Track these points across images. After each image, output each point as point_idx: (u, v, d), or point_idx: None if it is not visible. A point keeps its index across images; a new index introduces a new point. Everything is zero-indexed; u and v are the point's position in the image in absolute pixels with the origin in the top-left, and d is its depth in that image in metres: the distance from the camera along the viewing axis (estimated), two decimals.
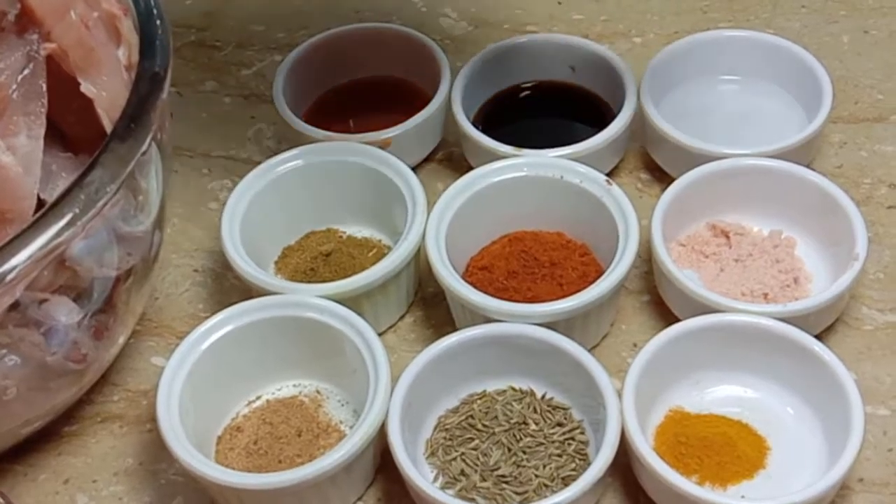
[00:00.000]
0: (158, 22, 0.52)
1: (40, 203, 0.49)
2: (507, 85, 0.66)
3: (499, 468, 0.51)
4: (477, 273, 0.58)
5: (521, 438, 0.52)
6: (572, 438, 0.52)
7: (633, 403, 0.50)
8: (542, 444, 0.52)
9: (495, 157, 0.60)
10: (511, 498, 0.50)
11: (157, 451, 0.55)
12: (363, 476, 0.52)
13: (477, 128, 0.62)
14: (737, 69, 0.66)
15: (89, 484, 0.55)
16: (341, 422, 0.54)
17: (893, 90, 0.67)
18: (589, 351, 0.52)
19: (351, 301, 0.54)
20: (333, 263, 0.59)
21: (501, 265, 0.58)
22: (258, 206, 0.59)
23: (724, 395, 0.54)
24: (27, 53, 0.48)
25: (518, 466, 0.51)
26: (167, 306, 0.61)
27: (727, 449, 0.51)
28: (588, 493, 0.48)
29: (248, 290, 0.56)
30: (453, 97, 0.63)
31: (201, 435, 0.52)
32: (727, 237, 0.59)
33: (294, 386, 0.56)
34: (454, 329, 0.54)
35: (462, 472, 0.51)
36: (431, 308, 0.60)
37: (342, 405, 0.55)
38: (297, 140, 0.63)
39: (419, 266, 0.59)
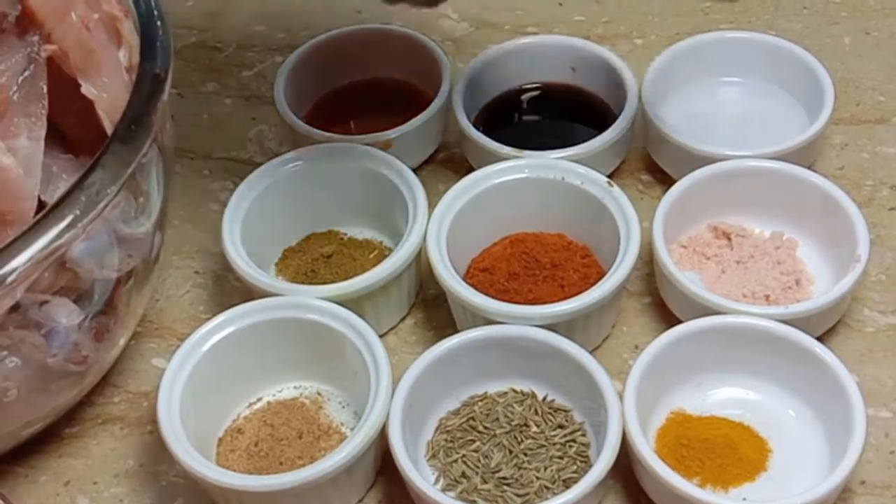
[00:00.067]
0: (159, 23, 0.52)
1: (41, 205, 0.49)
2: (509, 86, 0.66)
3: (500, 470, 0.51)
4: (478, 275, 0.58)
5: (522, 440, 0.52)
6: (573, 440, 0.52)
7: (634, 405, 0.50)
8: (543, 446, 0.52)
9: (496, 158, 0.60)
10: (512, 500, 0.50)
11: (157, 452, 0.55)
12: (364, 478, 0.52)
13: (478, 129, 0.62)
14: (738, 71, 0.66)
15: (90, 486, 0.55)
16: (342, 423, 0.54)
17: (895, 92, 0.67)
18: (590, 353, 0.52)
19: (352, 303, 0.54)
20: (334, 265, 0.59)
21: (502, 267, 0.58)
22: (259, 208, 0.59)
23: (725, 397, 0.54)
24: (28, 55, 0.48)
25: (519, 468, 0.51)
26: (168, 308, 0.61)
27: (729, 451, 0.51)
28: (589, 495, 0.48)
29: (249, 292, 0.56)
30: (454, 98, 0.63)
31: (202, 437, 0.52)
32: (729, 239, 0.59)
33: (295, 388, 0.56)
34: (455, 331, 0.54)
35: (463, 474, 0.51)
36: (432, 310, 0.60)
37: (343, 407, 0.55)
38: (298, 141, 0.63)
39: (420, 268, 0.59)
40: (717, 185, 0.59)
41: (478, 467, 0.51)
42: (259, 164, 0.60)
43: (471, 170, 0.60)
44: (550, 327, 0.53)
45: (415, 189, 0.58)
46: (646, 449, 0.49)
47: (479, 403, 0.53)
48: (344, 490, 0.51)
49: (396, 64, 0.67)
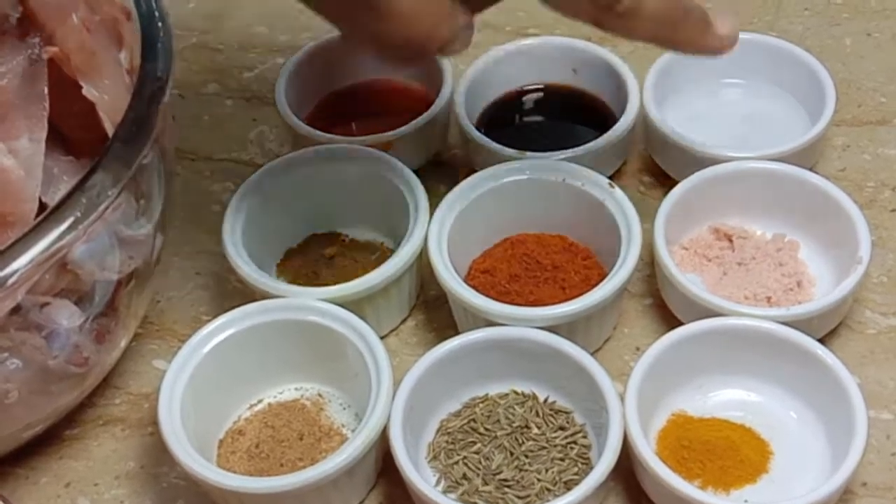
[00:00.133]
0: (160, 24, 0.52)
1: (42, 206, 0.49)
2: (510, 88, 0.66)
3: (501, 472, 0.51)
4: (479, 276, 0.58)
5: (523, 442, 0.52)
6: (575, 442, 0.52)
7: (635, 407, 0.50)
8: (544, 447, 0.52)
9: (498, 159, 0.60)
10: (513, 502, 0.50)
11: (158, 454, 0.55)
12: (365, 479, 0.52)
13: (479, 131, 0.62)
14: (739, 72, 0.66)
15: (91, 487, 0.55)
16: (343, 425, 0.54)
17: None
18: (591, 354, 0.52)
19: (353, 304, 0.54)
20: (335, 267, 0.59)
21: (503, 268, 0.58)
22: (260, 210, 0.59)
23: (726, 398, 0.53)
24: (29, 57, 0.48)
25: (520, 470, 0.51)
26: (169, 309, 0.61)
27: (730, 453, 0.51)
28: (590, 497, 0.48)
29: (250, 294, 0.56)
30: (456, 100, 0.63)
31: (203, 438, 0.52)
32: (730, 241, 0.59)
33: (296, 389, 0.56)
34: (456, 332, 0.54)
35: (464, 476, 0.51)
36: (433, 311, 0.60)
37: (344, 409, 0.55)
38: (299, 143, 0.63)
39: (421, 269, 0.59)
40: (718, 186, 0.59)
41: (479, 469, 0.51)
42: (260, 166, 0.60)
43: (472, 171, 0.60)
44: (552, 329, 0.53)
45: (416, 190, 0.58)
46: (647, 451, 0.49)
47: (481, 405, 0.53)
48: (345, 492, 0.51)
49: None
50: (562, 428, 0.52)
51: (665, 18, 0.45)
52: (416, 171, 0.60)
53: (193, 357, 0.53)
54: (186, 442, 0.50)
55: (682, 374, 0.53)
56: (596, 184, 0.57)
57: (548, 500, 0.49)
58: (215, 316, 0.54)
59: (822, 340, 0.53)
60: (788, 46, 0.65)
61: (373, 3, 0.40)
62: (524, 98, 0.66)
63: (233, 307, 0.54)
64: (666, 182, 0.63)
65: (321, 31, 0.68)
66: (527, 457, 0.51)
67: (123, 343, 0.55)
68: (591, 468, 0.49)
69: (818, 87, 0.62)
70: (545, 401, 0.53)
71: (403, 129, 0.62)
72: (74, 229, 0.45)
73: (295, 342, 0.54)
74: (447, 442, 0.52)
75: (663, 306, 0.58)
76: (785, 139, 0.60)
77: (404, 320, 0.59)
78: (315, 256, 0.60)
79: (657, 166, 0.64)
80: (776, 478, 0.51)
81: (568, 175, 0.58)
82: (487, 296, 0.54)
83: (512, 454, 0.51)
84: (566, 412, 0.53)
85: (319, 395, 0.55)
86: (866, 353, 0.56)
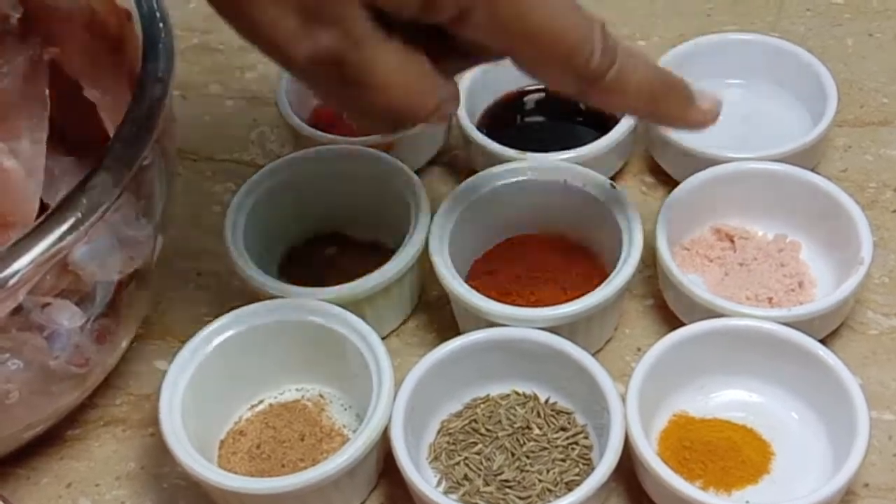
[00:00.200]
0: (161, 25, 0.52)
1: (43, 207, 0.49)
2: (511, 88, 0.66)
3: (502, 473, 0.51)
4: (480, 277, 0.58)
5: (524, 443, 0.52)
6: (576, 443, 0.52)
7: (636, 408, 0.50)
8: (545, 448, 0.51)
9: (499, 160, 0.59)
10: (514, 502, 0.50)
11: (159, 455, 0.55)
12: (366, 480, 0.52)
13: (481, 131, 0.62)
14: (741, 72, 0.66)
15: (92, 488, 0.55)
16: (344, 426, 0.54)
17: None
18: (592, 355, 0.52)
19: (354, 305, 0.54)
20: (337, 267, 0.59)
21: (505, 269, 0.58)
22: (261, 210, 0.59)
23: (728, 399, 0.53)
24: (30, 57, 0.48)
25: (521, 471, 0.51)
26: (170, 310, 0.61)
27: (732, 454, 0.51)
28: (592, 497, 0.48)
29: (251, 294, 0.56)
30: None
31: (204, 439, 0.52)
32: (731, 241, 0.59)
33: (297, 390, 0.56)
34: (457, 333, 0.54)
35: (465, 477, 0.51)
36: (434, 312, 0.60)
37: (345, 409, 0.55)
38: (300, 143, 0.63)
39: (422, 270, 0.58)
40: (719, 187, 0.58)
41: (480, 470, 0.51)
42: (261, 166, 0.60)
43: (473, 172, 0.60)
44: (553, 330, 0.52)
45: (417, 191, 0.58)
46: (648, 451, 0.49)
47: (482, 406, 0.53)
48: (346, 492, 0.51)
49: None
50: (563, 429, 0.52)
51: (649, 93, 0.46)
52: (417, 172, 0.60)
53: (194, 357, 0.53)
54: (187, 442, 0.50)
55: (684, 375, 0.53)
56: (597, 184, 0.57)
57: (549, 501, 0.49)
58: (216, 316, 0.54)
59: (823, 341, 0.53)
60: (790, 47, 0.65)
61: (355, 75, 0.40)
62: (525, 99, 0.66)
63: (234, 308, 0.54)
64: (667, 182, 0.63)
65: None
66: (528, 457, 0.51)
67: (124, 343, 0.55)
68: (593, 469, 0.49)
69: (820, 87, 0.62)
70: (546, 401, 0.53)
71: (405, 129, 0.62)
72: (75, 230, 0.45)
73: (296, 343, 0.54)
74: (448, 443, 0.52)
75: (664, 307, 0.58)
76: (787, 140, 0.60)
77: (405, 321, 0.59)
78: (316, 257, 0.60)
79: (658, 167, 0.64)
80: (778, 479, 0.51)
81: (569, 176, 0.58)
82: (488, 296, 0.54)
83: (513, 455, 0.51)
84: (567, 413, 0.53)
85: (321, 396, 0.55)
86: (868, 354, 0.56)
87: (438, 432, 0.53)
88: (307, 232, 0.61)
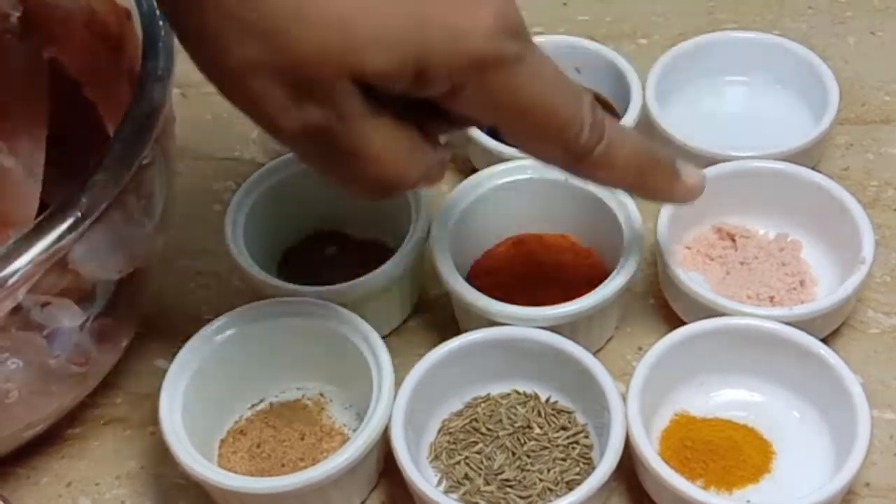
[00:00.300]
0: (161, 23, 0.52)
1: (43, 206, 0.49)
2: None
3: (503, 472, 0.51)
4: (481, 276, 0.58)
5: (525, 442, 0.52)
6: (577, 442, 0.52)
7: (637, 407, 0.50)
8: (546, 447, 0.51)
9: (500, 159, 0.59)
10: (515, 502, 0.50)
11: (159, 454, 0.55)
12: (367, 479, 0.52)
13: (482, 129, 0.62)
14: (742, 71, 0.65)
15: (92, 487, 0.55)
16: (345, 425, 0.54)
17: None
18: (593, 354, 0.52)
19: (354, 304, 0.54)
20: (337, 266, 0.59)
21: (506, 268, 0.58)
22: (262, 209, 0.59)
23: (729, 398, 0.53)
24: (29, 56, 0.48)
25: (522, 470, 0.51)
26: (170, 309, 0.61)
27: (732, 453, 0.51)
28: (593, 497, 0.48)
29: (251, 293, 0.56)
30: None
31: (204, 438, 0.52)
32: (733, 240, 0.59)
33: (297, 389, 0.55)
34: (457, 332, 0.54)
35: (466, 476, 0.51)
36: (435, 311, 0.59)
37: (345, 408, 0.55)
38: None
39: (423, 269, 0.58)
40: (721, 185, 0.58)
41: (480, 469, 0.51)
42: (262, 165, 0.60)
43: (474, 170, 0.60)
44: (554, 329, 0.52)
45: (417, 190, 0.58)
46: (649, 451, 0.48)
47: (482, 405, 0.53)
48: (346, 492, 0.51)
49: None
50: (564, 428, 0.52)
51: (637, 167, 0.46)
52: None
53: (195, 356, 0.52)
54: (187, 442, 0.50)
55: (685, 374, 0.53)
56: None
57: (550, 501, 0.49)
58: (216, 315, 0.54)
59: (825, 340, 0.53)
60: (792, 45, 0.64)
61: (344, 148, 0.40)
62: None
63: (234, 307, 0.54)
64: None
65: None
66: (528, 457, 0.51)
67: (124, 342, 0.55)
68: (593, 468, 0.49)
69: (821, 85, 0.62)
70: (547, 401, 0.53)
71: None
72: (75, 229, 0.45)
73: (296, 342, 0.54)
74: (449, 442, 0.52)
75: (666, 306, 0.58)
76: (788, 138, 0.60)
77: (406, 320, 0.59)
78: (316, 256, 0.60)
79: None
80: (779, 478, 0.50)
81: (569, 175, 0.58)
82: (489, 295, 0.54)
83: (514, 454, 0.51)
84: (568, 412, 0.53)
85: (321, 395, 0.55)
86: (869, 353, 0.56)
87: (439, 431, 0.53)
88: (307, 231, 0.61)
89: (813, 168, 0.60)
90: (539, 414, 0.53)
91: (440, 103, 0.41)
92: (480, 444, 0.52)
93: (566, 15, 0.73)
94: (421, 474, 0.49)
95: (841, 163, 0.64)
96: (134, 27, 0.52)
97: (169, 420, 0.50)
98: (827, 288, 0.56)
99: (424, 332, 0.59)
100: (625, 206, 0.56)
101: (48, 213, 0.45)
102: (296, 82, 0.38)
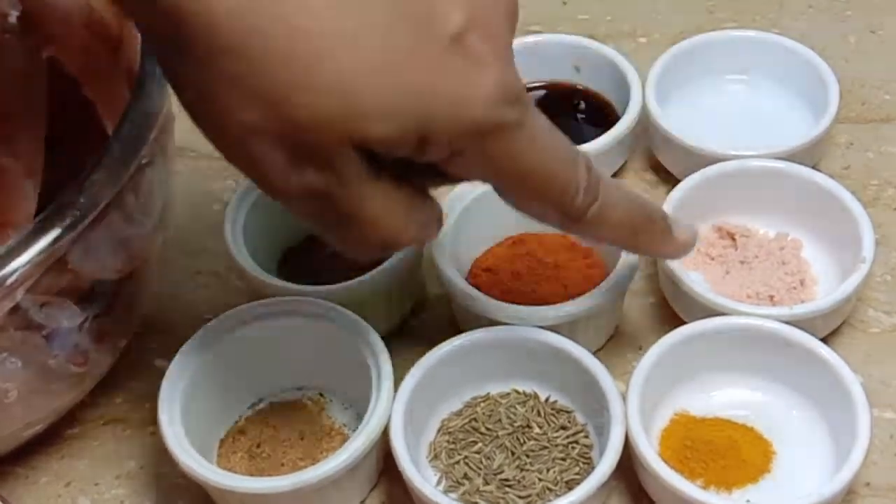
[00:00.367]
0: None
1: (42, 206, 0.49)
2: None
3: (502, 472, 0.51)
4: (481, 275, 0.58)
5: (524, 442, 0.52)
6: (576, 442, 0.52)
7: (637, 407, 0.50)
8: (545, 447, 0.51)
9: None
10: (514, 502, 0.50)
11: (159, 454, 0.55)
12: (366, 479, 0.52)
13: None
14: (742, 69, 0.65)
15: (91, 487, 0.55)
16: (344, 425, 0.54)
17: None
18: (593, 354, 0.52)
19: (354, 303, 0.54)
20: (336, 265, 0.59)
21: (506, 267, 0.58)
22: (261, 208, 0.59)
23: (729, 398, 0.53)
24: (29, 56, 0.48)
25: (521, 470, 0.51)
26: (170, 308, 0.61)
27: (732, 453, 0.51)
28: (592, 497, 0.48)
29: (251, 292, 0.56)
30: None
31: (203, 438, 0.52)
32: (733, 239, 0.58)
33: (297, 389, 0.55)
34: (457, 332, 0.54)
35: (465, 476, 0.51)
36: (435, 310, 0.59)
37: (345, 408, 0.55)
38: None
39: (423, 268, 0.58)
40: (721, 184, 0.58)
41: (480, 469, 0.51)
42: None
43: None
44: (553, 328, 0.52)
45: None
46: (649, 451, 0.48)
47: (482, 404, 0.53)
48: (346, 491, 0.51)
49: None
50: (563, 427, 0.52)
51: (630, 226, 0.47)
52: None
53: (194, 356, 0.52)
54: (187, 442, 0.50)
55: (685, 374, 0.53)
56: None
57: (549, 500, 0.49)
58: (216, 315, 0.54)
59: (825, 339, 0.53)
60: (792, 44, 0.64)
61: (343, 211, 0.40)
62: None
63: (234, 306, 0.54)
64: (668, 180, 0.62)
65: None
66: (528, 456, 0.51)
67: (124, 342, 0.55)
68: (593, 468, 0.49)
69: (822, 84, 0.62)
70: (546, 400, 0.53)
71: None
72: (74, 229, 0.45)
73: (296, 341, 0.54)
74: (448, 441, 0.52)
75: (666, 305, 0.58)
76: (788, 137, 0.60)
77: (406, 320, 0.59)
78: (316, 255, 0.60)
79: (660, 164, 0.64)
80: (779, 478, 0.50)
81: None
82: (489, 295, 0.54)
83: (513, 454, 0.51)
84: (567, 412, 0.53)
85: (320, 395, 0.55)
86: (870, 352, 0.56)
87: (438, 431, 0.53)
88: (307, 230, 0.61)
89: (813, 167, 0.60)
90: (538, 413, 0.53)
91: (439, 167, 0.41)
92: (480, 444, 0.52)
93: (566, 13, 0.73)
94: (420, 474, 0.49)
95: (841, 162, 0.64)
96: (133, 27, 0.51)
97: (168, 420, 0.50)
98: (827, 287, 0.56)
99: (424, 332, 0.59)
100: None
101: (47, 213, 0.45)
102: (296, 147, 0.38)
